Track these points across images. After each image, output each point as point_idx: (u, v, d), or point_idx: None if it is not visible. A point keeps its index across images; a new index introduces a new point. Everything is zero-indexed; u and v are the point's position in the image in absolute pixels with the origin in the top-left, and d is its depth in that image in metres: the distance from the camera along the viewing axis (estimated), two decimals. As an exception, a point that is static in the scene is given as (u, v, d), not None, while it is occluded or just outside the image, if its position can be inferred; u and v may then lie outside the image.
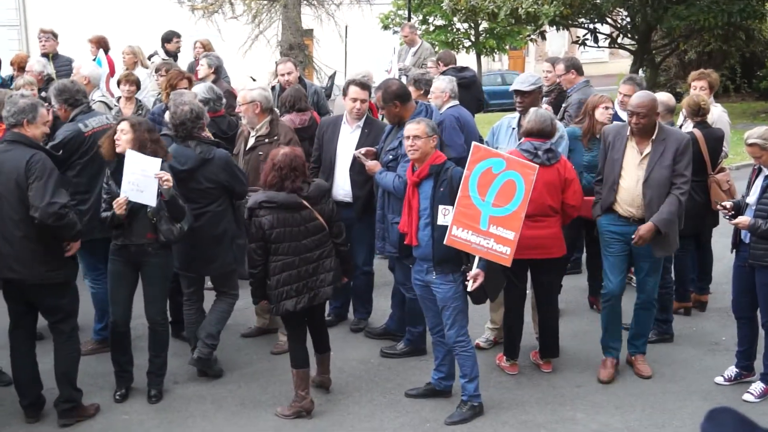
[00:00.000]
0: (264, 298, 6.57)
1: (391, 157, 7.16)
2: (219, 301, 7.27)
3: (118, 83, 9.72)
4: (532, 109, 7.15)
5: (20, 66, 10.84)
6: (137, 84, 9.66)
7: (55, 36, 11.79)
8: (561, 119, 8.93)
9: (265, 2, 22.57)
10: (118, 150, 6.50)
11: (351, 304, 8.41)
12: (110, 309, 6.88)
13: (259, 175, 7.48)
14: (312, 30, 23.50)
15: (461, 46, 31.54)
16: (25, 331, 6.44)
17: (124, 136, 6.47)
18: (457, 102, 8.47)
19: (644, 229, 6.69)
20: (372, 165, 7.28)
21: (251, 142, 7.74)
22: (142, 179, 6.33)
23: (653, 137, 6.71)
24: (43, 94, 8.63)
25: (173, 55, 12.68)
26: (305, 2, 22.69)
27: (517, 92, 7.69)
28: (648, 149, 6.71)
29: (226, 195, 6.96)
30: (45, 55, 11.57)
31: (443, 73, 10.27)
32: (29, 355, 6.46)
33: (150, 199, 6.38)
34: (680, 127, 8.57)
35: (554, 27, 25.28)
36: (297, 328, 6.59)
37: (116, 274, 6.71)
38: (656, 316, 7.66)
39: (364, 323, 8.28)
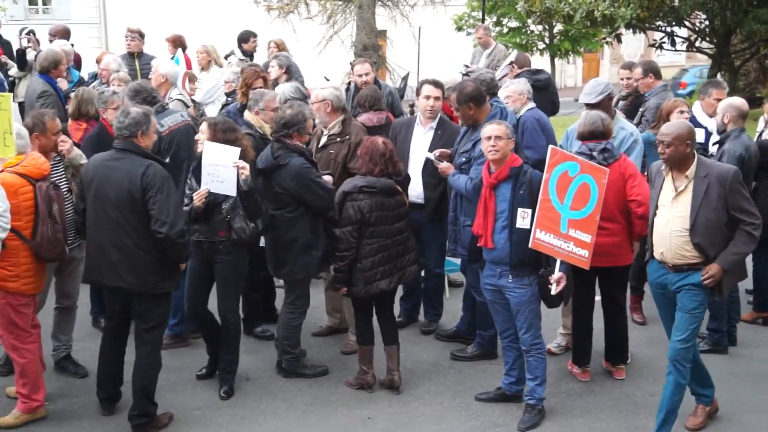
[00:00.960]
0: (348, 284, 6.73)
1: (464, 159, 7.13)
2: (281, 314, 7.29)
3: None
4: (583, 113, 7.11)
5: (104, 64, 11.03)
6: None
7: (141, 36, 11.90)
8: (637, 124, 8.78)
9: (340, 3, 22.74)
10: (198, 150, 6.67)
11: (422, 306, 8.39)
12: (185, 304, 7.01)
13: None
14: (386, 31, 23.64)
15: (535, 49, 31.35)
16: (118, 334, 6.47)
17: (202, 136, 6.63)
18: (534, 104, 8.38)
19: (713, 270, 5.99)
20: (445, 167, 7.26)
21: (323, 140, 7.78)
22: (222, 170, 6.46)
23: (688, 173, 6.00)
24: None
25: (250, 54, 12.81)
26: (380, 3, 22.82)
27: (587, 104, 7.59)
28: (683, 185, 6.00)
29: (298, 203, 6.89)
30: (131, 53, 11.75)
31: (518, 75, 10.17)
32: (117, 357, 6.50)
33: (230, 189, 6.48)
34: (760, 134, 8.40)
35: (630, 30, 24.94)
36: (365, 310, 6.95)
37: (191, 271, 6.82)
38: (707, 325, 7.54)
39: (435, 325, 8.26)
